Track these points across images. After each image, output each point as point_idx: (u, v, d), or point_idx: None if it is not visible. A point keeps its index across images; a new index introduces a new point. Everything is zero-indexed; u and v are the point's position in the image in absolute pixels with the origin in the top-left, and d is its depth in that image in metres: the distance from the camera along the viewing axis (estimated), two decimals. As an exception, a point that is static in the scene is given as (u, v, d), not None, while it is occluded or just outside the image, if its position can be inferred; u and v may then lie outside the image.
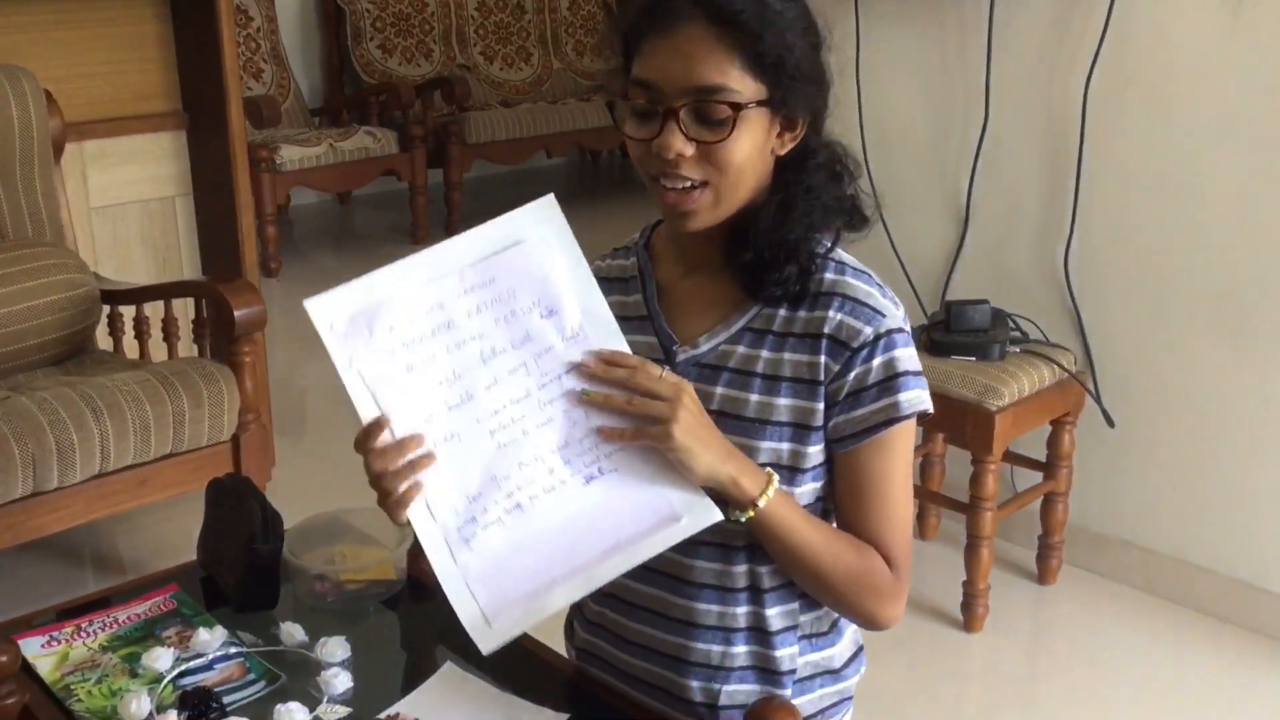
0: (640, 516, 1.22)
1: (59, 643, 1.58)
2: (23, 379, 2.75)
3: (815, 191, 1.30)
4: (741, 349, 1.32)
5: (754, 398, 1.29)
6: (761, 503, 1.22)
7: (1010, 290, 2.94)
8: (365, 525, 1.72)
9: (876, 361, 1.27)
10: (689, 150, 1.22)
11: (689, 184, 1.24)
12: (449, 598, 1.20)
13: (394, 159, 5.71)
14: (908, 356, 1.29)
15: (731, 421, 1.29)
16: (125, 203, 3.41)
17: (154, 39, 3.40)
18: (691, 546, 1.32)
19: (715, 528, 1.24)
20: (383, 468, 1.19)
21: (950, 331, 2.73)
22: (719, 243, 1.31)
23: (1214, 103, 2.62)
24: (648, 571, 1.37)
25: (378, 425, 1.19)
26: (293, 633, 1.55)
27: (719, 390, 1.31)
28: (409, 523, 1.21)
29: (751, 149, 1.24)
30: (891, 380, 1.27)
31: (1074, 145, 2.81)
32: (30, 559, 2.95)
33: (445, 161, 5.91)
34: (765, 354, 1.30)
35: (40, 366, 2.83)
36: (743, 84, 1.21)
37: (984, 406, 2.56)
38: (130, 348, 3.02)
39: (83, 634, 1.60)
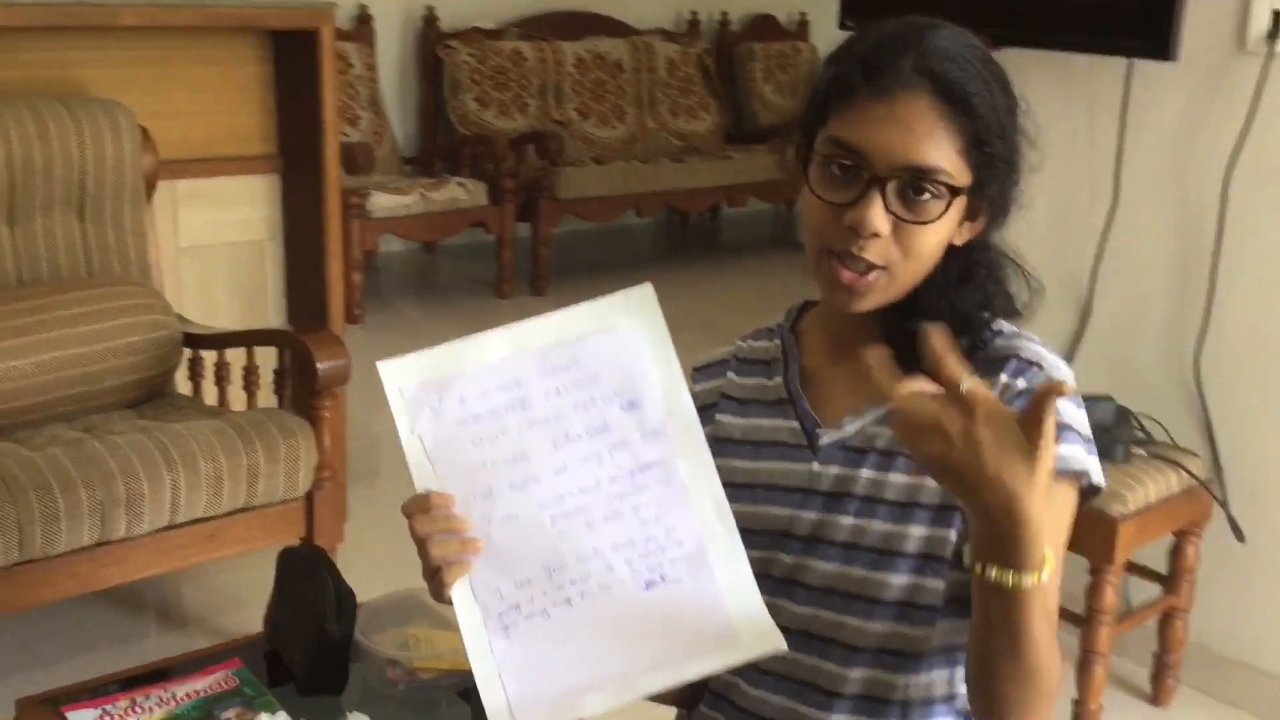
0: (697, 633, 1.13)
1: (112, 718, 1.48)
2: (98, 420, 2.67)
3: (991, 270, 1.22)
4: (889, 430, 1.18)
5: (898, 479, 1.17)
6: (1029, 579, 0.99)
7: (1134, 387, 2.75)
8: (441, 606, 1.61)
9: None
10: (886, 228, 1.11)
11: (868, 265, 1.13)
12: (477, 683, 1.13)
13: (483, 211, 5.66)
14: (1069, 412, 1.15)
15: (876, 506, 1.18)
16: (215, 244, 3.36)
17: (254, 81, 3.37)
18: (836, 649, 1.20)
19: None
20: (428, 534, 1.11)
21: (1069, 428, 2.54)
22: (878, 319, 1.19)
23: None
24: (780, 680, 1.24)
25: (431, 495, 1.12)
26: (360, 726, 1.43)
27: (863, 473, 1.19)
28: (450, 602, 1.13)
29: (944, 236, 1.15)
30: None
31: (1210, 237, 2.63)
32: (94, 607, 2.87)
33: (535, 216, 5.84)
34: None
35: (117, 409, 2.76)
36: (957, 168, 1.11)
37: (1106, 513, 2.38)
38: (210, 393, 2.94)
39: (137, 709, 1.50)
